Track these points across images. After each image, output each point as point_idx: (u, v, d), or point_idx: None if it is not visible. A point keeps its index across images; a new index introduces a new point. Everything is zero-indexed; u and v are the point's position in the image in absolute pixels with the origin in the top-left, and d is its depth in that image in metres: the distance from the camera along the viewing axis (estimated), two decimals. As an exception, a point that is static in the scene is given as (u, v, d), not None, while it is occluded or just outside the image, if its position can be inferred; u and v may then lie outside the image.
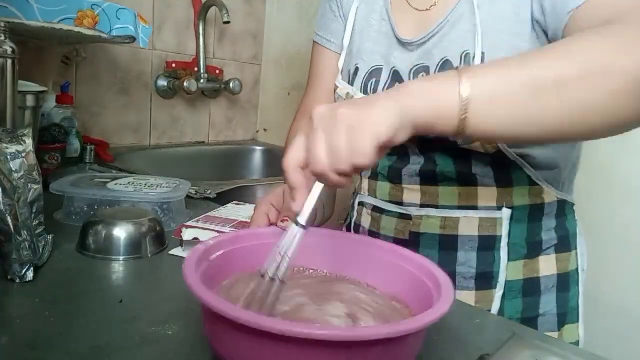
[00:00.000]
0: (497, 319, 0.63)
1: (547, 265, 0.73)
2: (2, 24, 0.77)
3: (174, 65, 1.56)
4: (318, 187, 0.47)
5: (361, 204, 0.82)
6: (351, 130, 0.44)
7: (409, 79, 0.71)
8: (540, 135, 0.49)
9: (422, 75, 0.70)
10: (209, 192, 1.03)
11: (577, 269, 0.76)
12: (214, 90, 1.69)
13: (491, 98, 0.47)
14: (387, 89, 0.73)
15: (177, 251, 0.70)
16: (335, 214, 0.83)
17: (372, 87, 0.75)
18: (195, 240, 0.68)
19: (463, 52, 0.66)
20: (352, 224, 0.84)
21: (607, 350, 0.56)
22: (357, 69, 0.78)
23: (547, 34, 0.63)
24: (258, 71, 1.87)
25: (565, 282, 0.74)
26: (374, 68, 0.76)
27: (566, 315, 0.74)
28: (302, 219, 0.46)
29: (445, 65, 0.67)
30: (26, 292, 0.55)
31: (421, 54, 0.71)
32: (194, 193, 1.00)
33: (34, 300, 0.53)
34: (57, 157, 1.06)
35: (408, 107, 0.46)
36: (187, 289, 0.40)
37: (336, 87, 0.80)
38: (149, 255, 0.68)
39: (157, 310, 0.53)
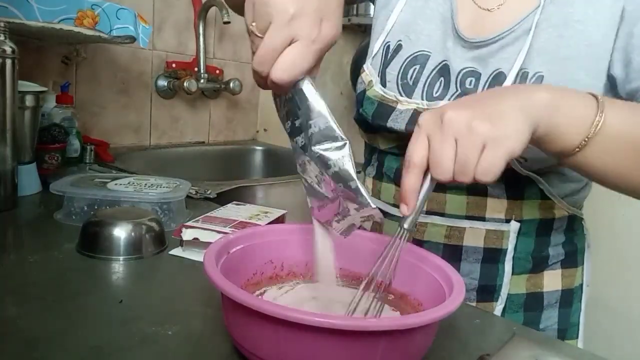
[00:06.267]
0: (497, 319, 0.63)
1: (552, 281, 0.71)
2: (2, 24, 0.77)
3: (174, 65, 1.56)
4: (429, 189, 0.46)
5: None
6: (486, 146, 0.43)
7: (456, 80, 0.66)
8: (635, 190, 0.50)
9: (471, 81, 0.65)
10: (209, 192, 1.03)
11: (581, 285, 0.74)
12: (214, 90, 1.69)
13: (618, 132, 0.47)
14: (429, 82, 0.67)
15: (177, 251, 0.70)
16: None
17: (413, 76, 0.68)
18: (195, 240, 0.68)
19: (520, 70, 0.61)
20: None
21: (607, 351, 0.56)
22: (399, 46, 0.69)
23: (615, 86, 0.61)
24: (258, 71, 1.86)
25: (569, 298, 0.72)
26: (419, 52, 0.68)
27: (566, 332, 0.72)
28: (411, 224, 0.46)
29: (498, 77, 0.63)
30: (26, 292, 0.55)
31: (474, 57, 0.65)
32: (194, 193, 1.00)
33: (34, 300, 0.53)
34: (57, 157, 1.06)
35: (536, 119, 0.45)
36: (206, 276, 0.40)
37: (362, 70, 0.72)
38: (149, 255, 0.68)
39: (157, 310, 0.53)
